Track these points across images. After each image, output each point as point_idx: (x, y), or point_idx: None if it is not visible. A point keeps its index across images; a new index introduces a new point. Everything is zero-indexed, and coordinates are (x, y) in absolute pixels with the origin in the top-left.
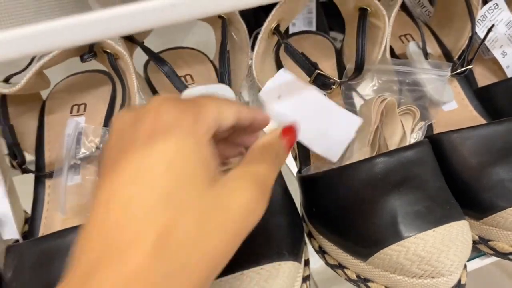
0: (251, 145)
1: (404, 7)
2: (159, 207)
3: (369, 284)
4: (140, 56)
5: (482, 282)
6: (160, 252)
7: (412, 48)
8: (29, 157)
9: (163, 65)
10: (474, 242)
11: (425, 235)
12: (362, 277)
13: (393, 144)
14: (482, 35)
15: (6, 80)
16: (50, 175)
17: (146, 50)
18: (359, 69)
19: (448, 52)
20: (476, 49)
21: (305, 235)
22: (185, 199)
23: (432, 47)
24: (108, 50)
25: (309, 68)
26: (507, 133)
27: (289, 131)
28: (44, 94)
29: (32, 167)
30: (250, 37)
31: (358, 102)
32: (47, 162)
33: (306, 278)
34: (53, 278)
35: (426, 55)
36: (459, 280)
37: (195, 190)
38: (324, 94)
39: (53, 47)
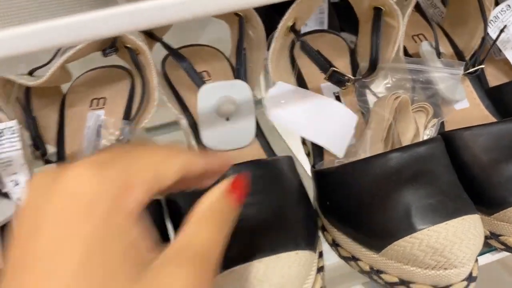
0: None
1: (417, 7)
2: None
3: (382, 275)
4: (157, 53)
5: (481, 277)
6: None
7: (425, 47)
8: (50, 148)
9: (182, 61)
10: (485, 237)
11: (438, 228)
12: (375, 268)
13: (406, 141)
14: (494, 36)
15: (30, 74)
16: None
17: (166, 46)
18: (373, 68)
19: (460, 52)
20: (488, 50)
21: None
22: None
23: (445, 47)
24: (129, 46)
25: (325, 66)
26: None
27: (237, 184)
28: (63, 88)
29: (53, 158)
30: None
31: (371, 99)
32: (68, 154)
33: (320, 269)
34: None
35: (439, 54)
36: (471, 273)
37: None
38: (338, 92)
39: (79, 40)
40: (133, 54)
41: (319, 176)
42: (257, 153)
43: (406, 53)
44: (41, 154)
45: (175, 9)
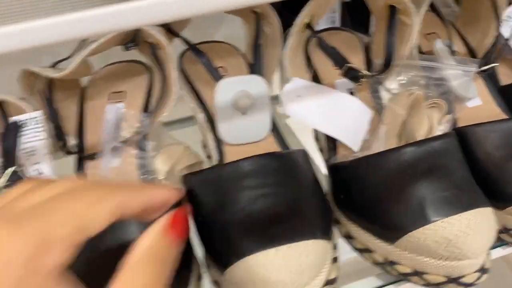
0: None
1: (431, 6)
2: None
3: (396, 266)
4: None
5: None
6: None
7: (439, 45)
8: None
9: (201, 56)
10: (498, 232)
11: (452, 219)
12: (389, 260)
13: (420, 137)
14: (506, 35)
15: (53, 66)
16: (91, 157)
17: (185, 41)
18: (387, 65)
19: (473, 51)
20: (500, 49)
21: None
22: None
23: (458, 46)
24: (150, 40)
25: (341, 62)
26: None
27: (176, 220)
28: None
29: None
30: None
31: (385, 96)
32: (88, 145)
33: (335, 259)
34: None
35: (452, 52)
36: (483, 264)
37: None
38: (352, 89)
39: (102, 31)
40: (154, 49)
41: (334, 170)
42: (272, 147)
43: (419, 51)
44: (62, 145)
45: (196, 3)
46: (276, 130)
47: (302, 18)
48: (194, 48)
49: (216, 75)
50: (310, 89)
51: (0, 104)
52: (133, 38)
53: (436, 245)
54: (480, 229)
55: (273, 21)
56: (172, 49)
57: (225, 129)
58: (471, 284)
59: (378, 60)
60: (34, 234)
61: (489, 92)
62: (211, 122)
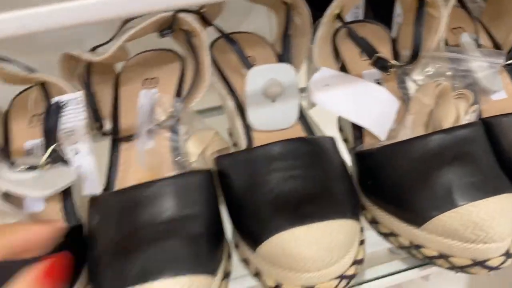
0: None
1: (459, 1)
2: None
3: (422, 249)
4: None
5: None
6: None
7: (465, 38)
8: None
9: (234, 44)
10: None
11: (479, 203)
12: (415, 243)
13: (447, 126)
14: None
15: (92, 51)
16: (126, 139)
17: (218, 29)
18: (414, 56)
19: (499, 46)
20: None
21: None
22: None
23: (484, 41)
24: (186, 28)
25: (371, 51)
26: None
27: (52, 270)
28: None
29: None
30: None
31: (411, 86)
32: (122, 128)
33: (362, 242)
34: (136, 226)
35: (478, 46)
36: (508, 249)
37: None
38: (379, 80)
39: (139, 12)
40: (189, 36)
41: (360, 157)
42: (299, 134)
43: (446, 44)
44: (98, 126)
45: None
46: (303, 118)
47: (332, 9)
48: (227, 37)
49: (247, 63)
50: (338, 79)
51: (42, 84)
52: (169, 25)
53: (462, 228)
54: (506, 214)
55: (303, 11)
56: (206, 36)
57: (254, 116)
58: (496, 268)
59: (405, 52)
60: None
61: None
62: (240, 109)
